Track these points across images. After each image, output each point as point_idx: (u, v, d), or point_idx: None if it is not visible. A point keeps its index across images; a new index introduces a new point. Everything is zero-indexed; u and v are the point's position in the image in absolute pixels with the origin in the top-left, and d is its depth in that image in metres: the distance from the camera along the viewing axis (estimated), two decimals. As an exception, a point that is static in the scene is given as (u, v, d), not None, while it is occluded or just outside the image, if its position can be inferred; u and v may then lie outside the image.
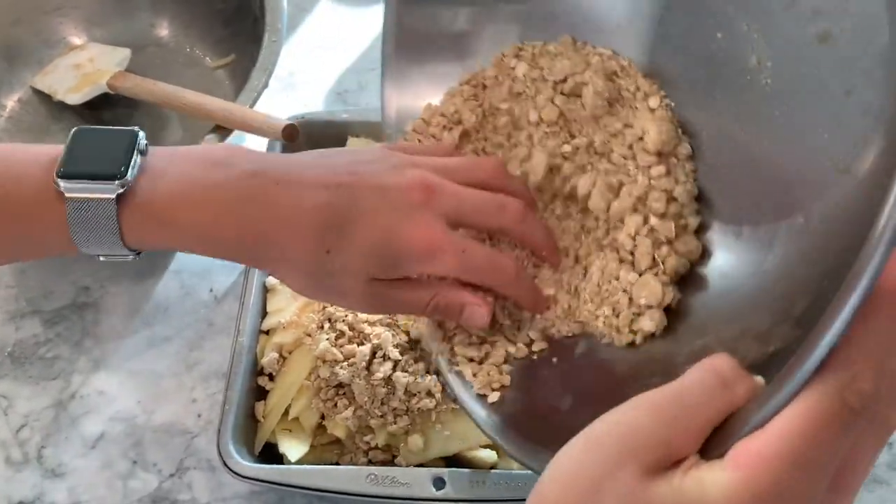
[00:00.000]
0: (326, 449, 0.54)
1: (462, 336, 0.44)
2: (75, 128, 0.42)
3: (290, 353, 0.56)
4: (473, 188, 0.43)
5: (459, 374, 0.43)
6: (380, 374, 0.52)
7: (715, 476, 0.25)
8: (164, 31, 0.76)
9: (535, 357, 0.43)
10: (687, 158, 0.42)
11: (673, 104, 0.42)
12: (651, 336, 0.39)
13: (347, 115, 0.65)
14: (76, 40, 0.75)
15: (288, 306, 0.56)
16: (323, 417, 0.53)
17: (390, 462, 0.52)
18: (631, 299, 0.40)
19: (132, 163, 0.39)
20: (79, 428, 0.58)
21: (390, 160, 0.42)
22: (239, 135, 0.62)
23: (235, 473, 0.49)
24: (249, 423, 0.54)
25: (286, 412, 0.54)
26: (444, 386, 0.45)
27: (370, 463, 0.52)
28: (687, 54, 0.42)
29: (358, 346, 0.53)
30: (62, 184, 0.38)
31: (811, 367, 0.24)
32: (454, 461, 0.52)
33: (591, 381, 0.40)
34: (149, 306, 0.63)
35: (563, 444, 0.27)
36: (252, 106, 0.58)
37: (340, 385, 0.53)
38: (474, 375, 0.42)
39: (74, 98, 0.66)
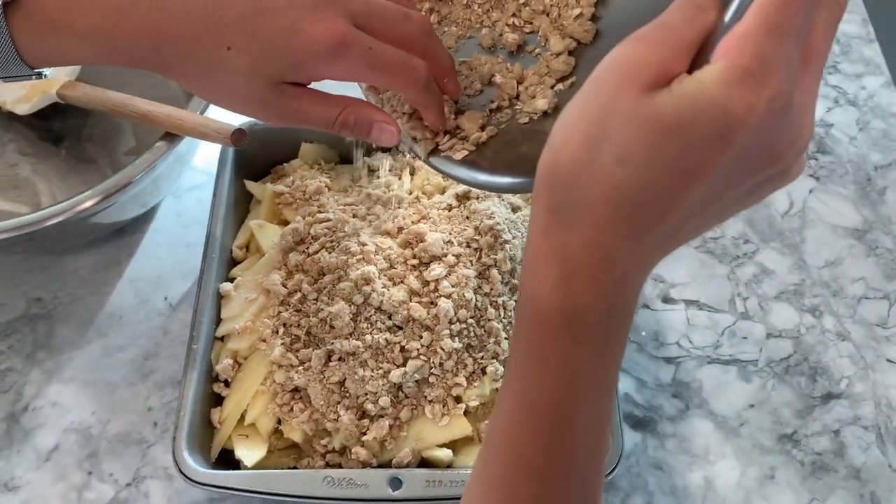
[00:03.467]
0: (283, 453, 0.54)
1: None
2: None
3: (244, 358, 0.56)
4: None
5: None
6: (335, 378, 0.52)
7: (708, 70, 0.27)
8: (115, 39, 0.75)
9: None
10: None
11: None
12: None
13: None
14: (25, 50, 0.74)
15: (242, 312, 0.56)
16: (279, 422, 0.53)
17: (348, 465, 0.52)
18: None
19: None
20: (32, 440, 0.57)
21: None
22: (191, 141, 0.62)
23: (191, 480, 0.49)
24: (205, 430, 0.53)
25: (242, 418, 0.54)
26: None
27: (328, 466, 0.52)
28: None
29: (313, 350, 0.54)
30: None
31: None
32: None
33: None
34: (103, 316, 0.62)
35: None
36: (203, 113, 0.58)
37: (296, 389, 0.54)
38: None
39: (23, 108, 0.66)
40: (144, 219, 0.67)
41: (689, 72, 0.28)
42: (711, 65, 0.27)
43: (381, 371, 0.53)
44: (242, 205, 0.63)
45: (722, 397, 0.59)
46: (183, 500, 0.55)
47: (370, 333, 0.53)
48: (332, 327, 0.54)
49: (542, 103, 0.43)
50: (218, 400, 0.55)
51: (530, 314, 0.31)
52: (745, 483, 0.56)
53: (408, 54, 0.42)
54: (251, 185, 0.64)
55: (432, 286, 0.55)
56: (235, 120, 0.54)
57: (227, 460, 0.53)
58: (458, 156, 0.44)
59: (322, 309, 0.54)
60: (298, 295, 0.55)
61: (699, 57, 0.28)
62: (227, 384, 0.55)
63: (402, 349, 0.53)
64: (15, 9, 0.37)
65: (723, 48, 0.27)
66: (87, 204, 0.57)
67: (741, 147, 0.27)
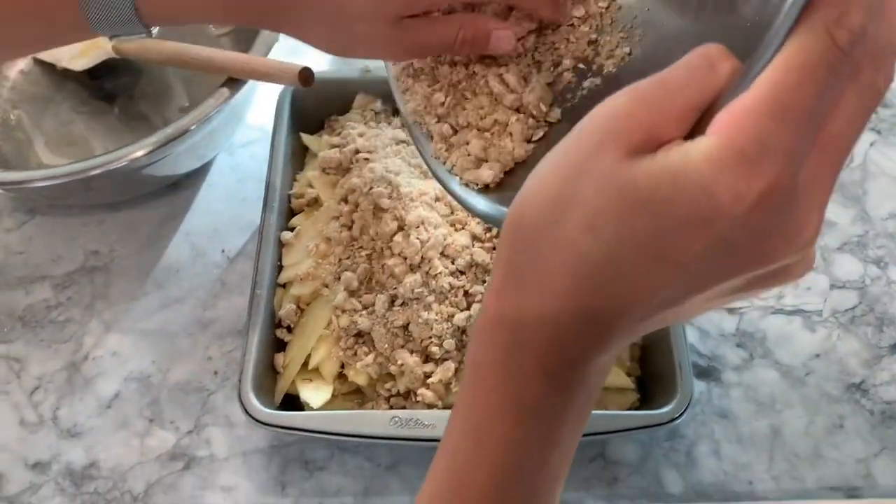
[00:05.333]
0: (347, 398, 0.53)
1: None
2: None
3: (307, 304, 0.55)
4: None
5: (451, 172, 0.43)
6: (399, 322, 0.52)
7: (699, 144, 0.23)
8: (165, 1, 0.75)
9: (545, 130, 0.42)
10: None
11: None
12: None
13: (352, 73, 0.65)
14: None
15: (303, 260, 0.56)
16: (342, 367, 0.53)
17: (412, 408, 0.52)
18: None
19: None
20: (93, 388, 0.57)
21: None
22: (246, 95, 0.62)
23: (259, 421, 0.49)
24: (269, 375, 0.53)
25: (305, 363, 0.53)
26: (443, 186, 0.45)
27: (392, 409, 0.52)
28: None
29: (377, 294, 0.53)
30: None
31: (796, 8, 0.22)
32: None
33: None
34: (160, 268, 0.62)
35: None
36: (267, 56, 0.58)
37: (360, 334, 0.53)
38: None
39: (81, 63, 0.66)
40: (199, 174, 0.67)
41: (691, 137, 0.24)
42: (704, 138, 0.23)
43: (445, 314, 0.52)
44: (299, 157, 0.63)
45: (786, 347, 0.58)
46: (245, 446, 0.55)
47: (434, 278, 0.53)
48: (393, 273, 0.53)
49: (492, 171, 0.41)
50: (280, 346, 0.55)
51: (471, 382, 0.28)
52: (814, 431, 0.55)
53: None
54: (307, 139, 0.63)
55: (494, 231, 0.54)
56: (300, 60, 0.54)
57: (290, 407, 0.53)
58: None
59: (384, 254, 0.54)
60: (360, 242, 0.55)
61: (704, 119, 0.24)
62: (289, 330, 0.55)
63: (466, 293, 0.53)
64: None
65: (720, 121, 0.23)
66: (141, 153, 0.57)
67: (722, 238, 0.23)
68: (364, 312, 0.53)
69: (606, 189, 0.24)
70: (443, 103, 0.44)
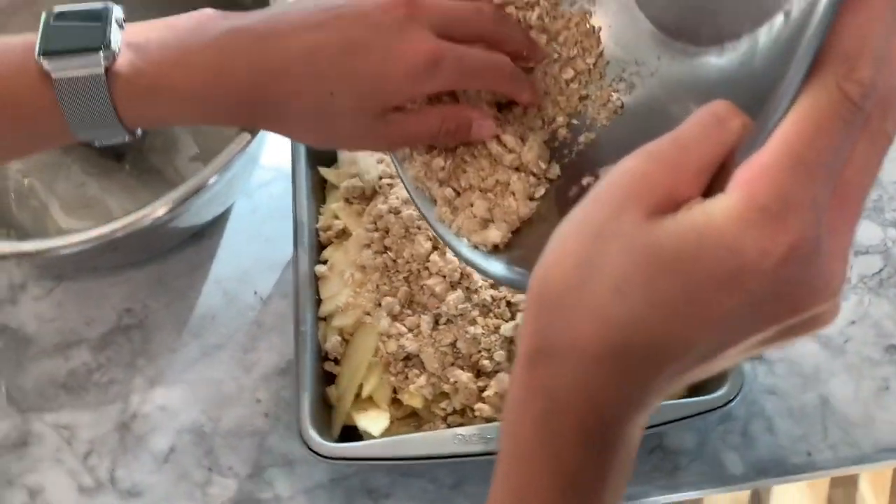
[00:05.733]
0: (403, 423, 0.54)
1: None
2: (44, 11, 0.40)
3: (351, 334, 0.56)
4: None
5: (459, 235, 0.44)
6: (447, 340, 0.53)
7: (720, 202, 0.24)
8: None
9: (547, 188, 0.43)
10: None
11: None
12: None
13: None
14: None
15: (341, 290, 0.56)
16: (395, 391, 0.54)
17: (470, 424, 0.52)
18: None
19: (112, 33, 0.38)
20: (147, 445, 0.57)
21: None
22: (260, 139, 0.62)
23: (324, 457, 0.49)
24: (323, 409, 0.53)
25: (358, 393, 0.54)
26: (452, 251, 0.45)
27: (450, 428, 0.52)
28: None
29: (420, 315, 0.54)
30: (46, 64, 0.37)
31: (804, 65, 0.23)
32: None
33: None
34: (195, 318, 0.62)
35: None
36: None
37: (408, 357, 0.54)
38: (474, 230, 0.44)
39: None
40: (220, 220, 0.67)
41: (708, 193, 0.25)
42: (725, 195, 0.24)
43: (491, 327, 0.53)
44: (318, 191, 0.64)
45: (822, 318, 0.59)
46: (306, 483, 0.55)
47: (475, 292, 0.53)
48: (434, 293, 0.54)
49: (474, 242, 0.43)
50: (330, 378, 0.55)
51: (510, 453, 0.28)
52: (862, 396, 0.56)
53: (491, 53, 0.42)
54: (325, 171, 0.64)
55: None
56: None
57: (347, 438, 0.53)
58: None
59: (421, 275, 0.55)
60: (396, 266, 0.56)
61: (720, 176, 0.25)
62: (336, 362, 0.55)
63: (509, 304, 0.54)
64: (116, 75, 0.38)
65: (740, 178, 0.24)
66: (164, 209, 0.57)
67: (752, 294, 0.24)
68: (410, 335, 0.54)
69: (631, 252, 0.25)
70: (443, 168, 0.45)
